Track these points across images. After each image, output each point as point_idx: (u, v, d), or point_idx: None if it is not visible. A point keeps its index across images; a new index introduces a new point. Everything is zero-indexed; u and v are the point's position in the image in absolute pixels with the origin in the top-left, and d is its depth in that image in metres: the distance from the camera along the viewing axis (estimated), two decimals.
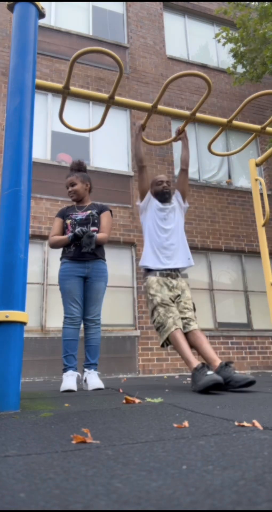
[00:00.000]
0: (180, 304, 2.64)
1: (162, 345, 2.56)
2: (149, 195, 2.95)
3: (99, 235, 2.82)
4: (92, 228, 2.86)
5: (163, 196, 2.90)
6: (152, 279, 2.72)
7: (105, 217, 2.94)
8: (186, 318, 2.58)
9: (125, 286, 6.92)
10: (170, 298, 2.63)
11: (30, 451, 0.84)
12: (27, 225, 1.74)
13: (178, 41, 9.27)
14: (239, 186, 8.49)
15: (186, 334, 2.53)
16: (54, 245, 2.89)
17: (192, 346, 2.51)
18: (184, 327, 2.54)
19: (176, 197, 3.00)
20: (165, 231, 2.84)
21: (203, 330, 6.89)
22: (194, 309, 2.70)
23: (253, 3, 8.43)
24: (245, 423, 1.08)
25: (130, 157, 7.66)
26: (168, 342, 2.53)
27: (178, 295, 2.68)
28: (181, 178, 3.02)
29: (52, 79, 7.46)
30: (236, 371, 2.24)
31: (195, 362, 2.27)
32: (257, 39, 7.40)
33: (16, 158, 1.77)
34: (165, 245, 2.80)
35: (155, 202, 2.91)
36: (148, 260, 2.80)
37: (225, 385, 2.14)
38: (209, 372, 2.09)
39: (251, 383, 2.15)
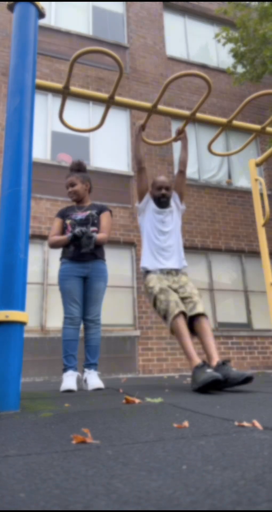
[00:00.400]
0: (186, 291, 2.61)
1: (172, 332, 2.49)
2: (147, 196, 2.94)
3: (99, 236, 2.82)
4: (92, 229, 2.86)
5: (161, 205, 2.90)
6: (152, 275, 2.72)
7: (104, 218, 2.94)
8: (192, 301, 2.54)
9: (125, 286, 6.92)
10: (170, 287, 2.62)
11: (30, 451, 0.84)
12: (27, 225, 1.74)
13: (178, 41, 9.27)
14: (239, 186, 8.49)
15: (192, 318, 2.50)
16: (53, 245, 2.89)
17: (196, 333, 2.49)
18: (190, 310, 2.50)
19: (174, 199, 2.99)
20: (163, 234, 2.84)
21: None
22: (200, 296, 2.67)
23: (253, 3, 8.43)
24: (245, 423, 1.08)
25: (130, 157, 7.65)
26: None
27: (181, 286, 2.67)
28: (178, 180, 3.01)
29: (52, 79, 7.46)
30: (234, 369, 2.24)
31: (197, 360, 2.27)
32: (257, 39, 7.41)
33: (16, 158, 1.77)
34: (164, 247, 2.80)
35: (153, 204, 2.92)
36: (146, 262, 2.80)
37: (223, 383, 2.14)
38: (209, 370, 2.10)
39: (248, 379, 2.15)
